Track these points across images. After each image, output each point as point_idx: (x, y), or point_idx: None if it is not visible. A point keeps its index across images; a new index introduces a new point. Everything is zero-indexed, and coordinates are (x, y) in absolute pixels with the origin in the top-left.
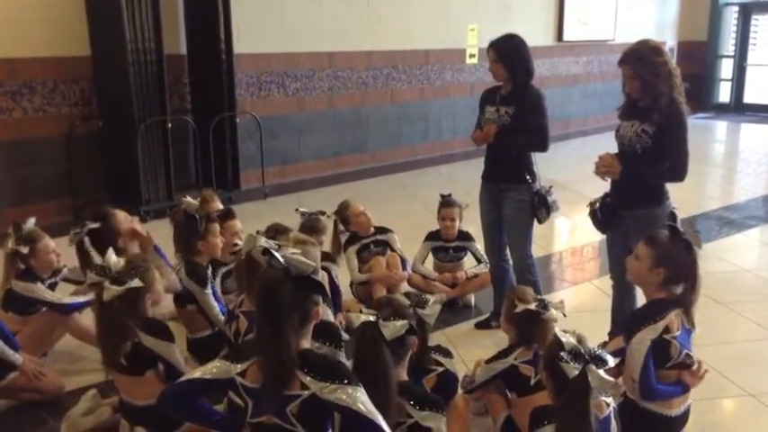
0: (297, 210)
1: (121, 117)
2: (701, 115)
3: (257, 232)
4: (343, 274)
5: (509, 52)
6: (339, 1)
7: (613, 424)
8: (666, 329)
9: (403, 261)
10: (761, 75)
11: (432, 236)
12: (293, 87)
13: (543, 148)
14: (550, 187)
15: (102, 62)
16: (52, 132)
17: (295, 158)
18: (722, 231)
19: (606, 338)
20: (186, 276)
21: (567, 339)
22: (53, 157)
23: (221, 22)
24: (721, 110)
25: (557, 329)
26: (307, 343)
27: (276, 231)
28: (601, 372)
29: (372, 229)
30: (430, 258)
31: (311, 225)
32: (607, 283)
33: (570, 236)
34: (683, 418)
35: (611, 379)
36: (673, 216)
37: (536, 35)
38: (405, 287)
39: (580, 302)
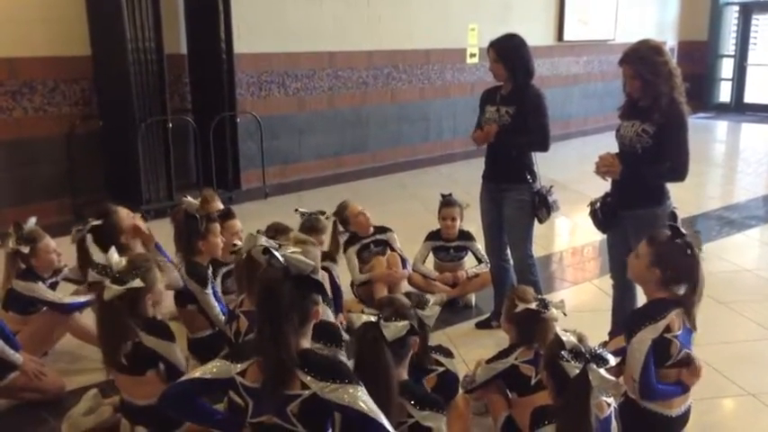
0: (296, 210)
1: (122, 117)
2: (702, 115)
3: (257, 232)
4: (344, 274)
5: (509, 52)
6: (339, 1)
7: (614, 424)
8: (667, 329)
9: (403, 260)
10: (761, 74)
11: (432, 235)
12: (293, 87)
13: (544, 147)
14: (551, 187)
15: (103, 62)
16: (52, 132)
17: (295, 158)
18: (722, 231)
19: (606, 338)
20: (187, 276)
21: (568, 338)
22: (53, 157)
23: (222, 22)
24: (722, 110)
25: (557, 329)
26: (307, 342)
27: (276, 231)
28: (602, 371)
29: (372, 229)
30: (430, 258)
31: (311, 225)
32: (607, 282)
33: (571, 236)
34: (684, 418)
35: (612, 378)
36: (673, 216)
37: (536, 35)
38: (405, 287)
39: (580, 302)
